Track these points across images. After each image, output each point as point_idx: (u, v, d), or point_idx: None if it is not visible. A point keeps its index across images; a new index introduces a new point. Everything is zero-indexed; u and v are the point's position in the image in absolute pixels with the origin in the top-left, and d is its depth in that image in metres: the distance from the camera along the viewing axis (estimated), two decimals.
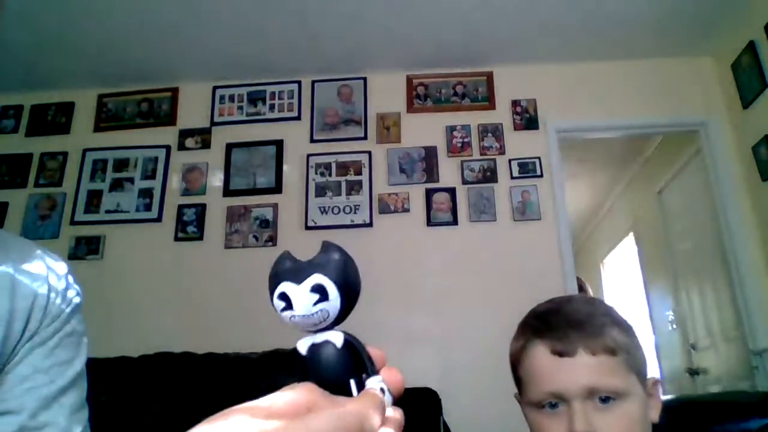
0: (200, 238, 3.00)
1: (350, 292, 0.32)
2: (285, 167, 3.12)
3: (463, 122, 3.12)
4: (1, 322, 0.53)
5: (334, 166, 3.07)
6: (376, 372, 0.33)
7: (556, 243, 2.88)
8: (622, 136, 3.62)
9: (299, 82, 3.26)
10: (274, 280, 0.32)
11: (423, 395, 2.22)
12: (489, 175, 3.01)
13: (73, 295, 0.62)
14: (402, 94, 3.21)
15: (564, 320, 0.75)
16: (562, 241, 2.89)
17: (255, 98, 3.26)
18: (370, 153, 3.09)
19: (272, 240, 2.96)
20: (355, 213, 2.97)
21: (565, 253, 2.87)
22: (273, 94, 3.26)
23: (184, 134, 3.21)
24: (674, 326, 3.92)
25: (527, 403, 0.77)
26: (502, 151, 3.05)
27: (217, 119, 3.23)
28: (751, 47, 2.79)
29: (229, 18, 2.77)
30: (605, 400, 0.69)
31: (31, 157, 3.20)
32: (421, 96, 3.21)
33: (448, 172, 3.04)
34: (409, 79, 3.23)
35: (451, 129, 3.11)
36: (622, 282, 5.40)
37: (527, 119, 3.12)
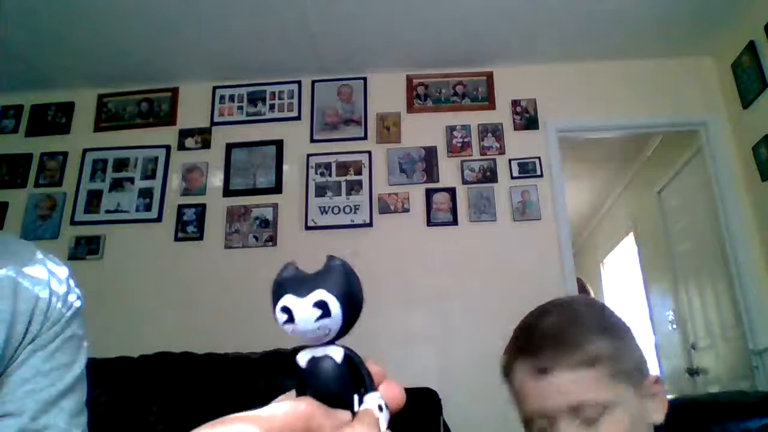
0: (200, 238, 3.00)
1: (353, 310, 0.32)
2: (285, 167, 3.12)
3: (463, 122, 3.12)
4: (2, 324, 0.53)
5: (334, 166, 3.07)
6: (374, 388, 0.33)
7: (556, 243, 2.89)
8: (622, 136, 3.62)
9: (299, 82, 3.26)
10: (277, 292, 0.32)
11: (423, 395, 2.22)
12: (489, 175, 3.01)
13: (74, 299, 0.62)
14: (402, 94, 3.21)
15: (540, 336, 0.73)
16: (562, 241, 2.89)
17: (255, 98, 3.26)
18: (370, 153, 3.09)
19: (272, 240, 2.96)
20: (355, 213, 2.97)
21: (565, 253, 2.87)
22: (273, 94, 3.26)
23: (184, 134, 3.21)
24: (674, 326, 3.92)
25: (521, 421, 0.75)
26: (502, 151, 3.05)
27: (217, 119, 3.23)
28: (751, 47, 2.79)
29: (229, 18, 2.77)
30: (593, 414, 0.66)
31: (31, 157, 3.20)
32: (421, 96, 3.21)
33: (448, 172, 3.04)
34: (409, 79, 3.23)
35: (451, 129, 3.11)
36: (622, 282, 5.40)
37: (527, 119, 3.12)
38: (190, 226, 3.02)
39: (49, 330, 0.58)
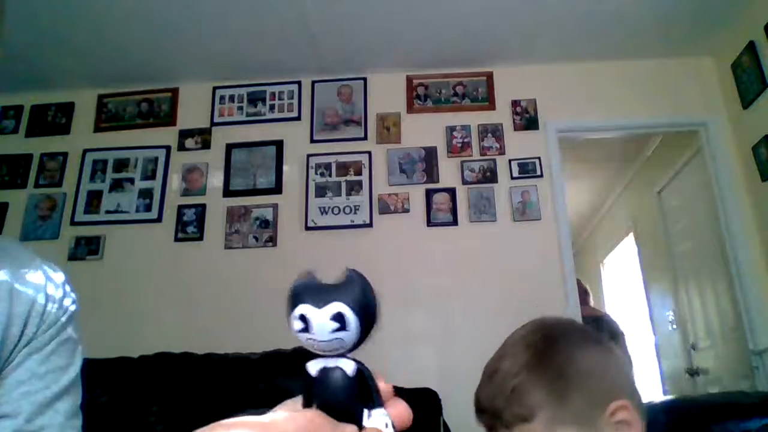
0: (200, 238, 3.00)
1: (369, 324, 0.32)
2: (285, 167, 3.12)
3: (463, 122, 3.12)
4: None
5: (334, 166, 3.07)
6: (382, 404, 0.33)
7: (556, 243, 2.89)
8: (622, 136, 3.62)
9: (299, 83, 3.26)
10: (294, 300, 0.32)
11: (423, 395, 2.22)
12: (489, 176, 3.01)
13: (69, 303, 0.63)
14: (402, 95, 3.21)
15: (484, 391, 0.72)
16: (562, 241, 2.89)
17: (255, 98, 3.26)
18: (370, 153, 3.09)
19: (272, 240, 2.96)
20: (355, 213, 2.97)
21: (565, 253, 2.87)
22: (273, 94, 3.26)
23: (184, 134, 3.21)
24: (674, 326, 3.92)
25: None
26: (502, 151, 3.05)
27: (217, 119, 3.23)
28: (751, 47, 2.79)
29: (229, 18, 2.77)
30: None
31: (31, 158, 3.20)
32: (421, 96, 3.21)
33: (448, 173, 3.04)
34: (409, 80, 3.23)
35: (451, 129, 3.11)
36: (622, 282, 5.41)
37: (527, 119, 3.12)
38: (190, 226, 3.02)
39: (44, 333, 0.59)
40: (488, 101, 3.17)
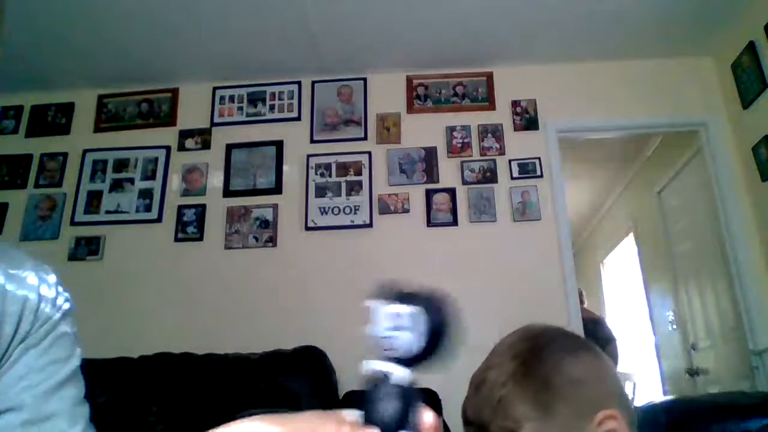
0: (200, 238, 3.00)
1: (433, 342, 0.32)
2: (285, 168, 3.12)
3: (463, 122, 3.12)
4: None
5: (334, 166, 3.07)
6: (413, 429, 0.33)
7: (556, 243, 2.89)
8: (622, 136, 3.62)
9: (299, 83, 3.26)
10: (383, 293, 0.33)
11: (423, 395, 2.22)
12: (489, 176, 3.01)
13: (63, 302, 0.64)
14: (402, 95, 3.21)
15: (471, 402, 0.71)
16: (562, 241, 2.89)
17: (255, 99, 3.26)
18: (370, 153, 3.09)
19: (272, 241, 2.96)
20: (355, 213, 2.97)
21: (565, 254, 2.87)
22: (273, 94, 3.26)
23: (184, 135, 3.21)
24: (674, 326, 3.92)
25: None
26: (502, 151, 3.05)
27: (217, 120, 3.23)
28: (751, 47, 2.79)
29: (229, 18, 2.77)
30: None
31: (31, 158, 3.20)
32: (421, 96, 3.21)
33: (448, 173, 3.04)
34: (409, 80, 3.23)
35: (451, 129, 3.11)
36: (622, 282, 5.41)
37: (527, 119, 3.12)
38: (190, 226, 3.02)
39: (39, 329, 0.60)
40: (488, 101, 3.17)
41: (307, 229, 2.96)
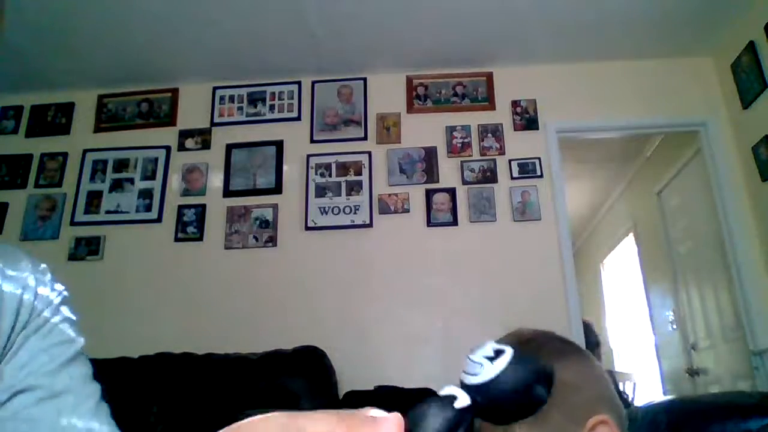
0: (200, 238, 3.00)
1: (513, 386, 0.34)
2: (285, 167, 3.12)
3: (463, 122, 3.12)
4: None
5: (334, 166, 3.07)
6: None
7: (556, 243, 2.89)
8: (622, 136, 3.62)
9: (299, 83, 3.26)
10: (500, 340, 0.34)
11: (423, 395, 2.22)
12: (489, 176, 3.01)
13: (59, 292, 0.65)
14: (402, 95, 3.21)
15: None
16: (562, 241, 2.89)
17: (255, 99, 3.26)
18: (370, 153, 3.09)
19: (272, 240, 2.96)
20: (355, 213, 2.97)
21: (565, 254, 2.87)
22: (273, 94, 3.26)
23: (184, 135, 3.21)
24: (674, 326, 3.92)
25: None
26: (502, 151, 3.05)
27: (217, 120, 3.23)
28: (751, 47, 2.79)
29: (229, 18, 2.77)
30: None
31: (31, 158, 3.20)
32: (421, 96, 3.21)
33: (448, 173, 3.04)
34: (409, 80, 3.23)
35: (451, 129, 3.11)
36: (622, 282, 5.41)
37: (527, 119, 3.12)
38: (190, 226, 3.02)
39: (38, 317, 0.61)
40: (488, 101, 3.17)
41: (307, 229, 2.96)
